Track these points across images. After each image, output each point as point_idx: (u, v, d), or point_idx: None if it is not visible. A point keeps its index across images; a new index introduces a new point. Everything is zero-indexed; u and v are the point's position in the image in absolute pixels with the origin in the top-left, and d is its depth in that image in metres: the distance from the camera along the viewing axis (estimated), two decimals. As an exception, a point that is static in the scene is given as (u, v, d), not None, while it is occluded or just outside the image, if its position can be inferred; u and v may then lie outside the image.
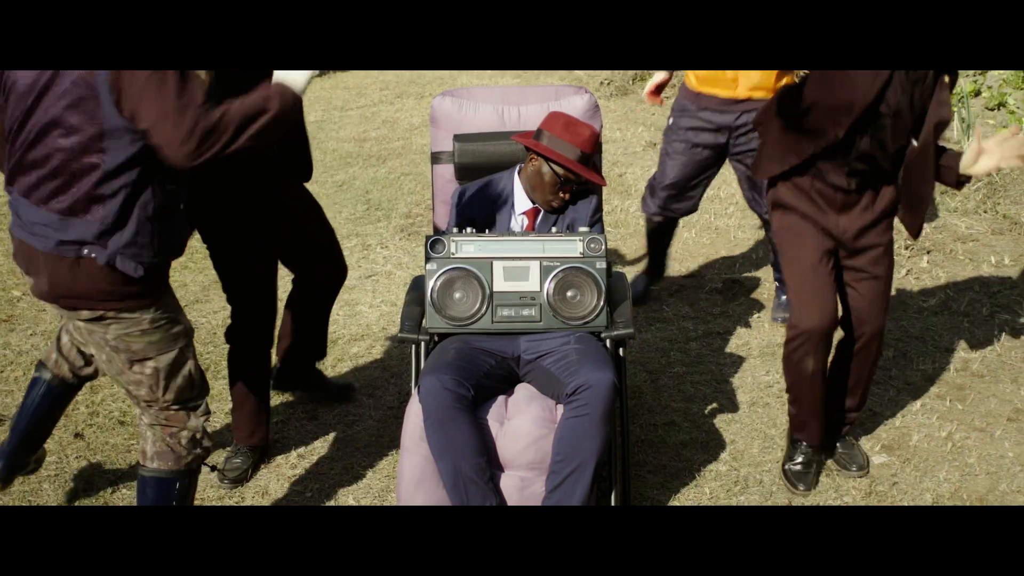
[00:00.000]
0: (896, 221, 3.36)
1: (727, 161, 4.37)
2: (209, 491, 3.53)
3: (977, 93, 7.52)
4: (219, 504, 3.47)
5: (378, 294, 4.93)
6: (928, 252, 5.16)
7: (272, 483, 3.56)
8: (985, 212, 5.63)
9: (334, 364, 4.31)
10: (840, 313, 3.37)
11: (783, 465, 3.51)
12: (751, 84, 4.11)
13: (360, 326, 4.61)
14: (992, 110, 7.21)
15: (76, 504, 3.46)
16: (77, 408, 4.02)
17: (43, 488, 3.56)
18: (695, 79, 4.24)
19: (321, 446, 3.76)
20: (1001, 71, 8.01)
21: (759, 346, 4.34)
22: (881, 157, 3.15)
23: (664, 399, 3.99)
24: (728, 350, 4.34)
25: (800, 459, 3.47)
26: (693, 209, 4.49)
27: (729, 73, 4.11)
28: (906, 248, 5.17)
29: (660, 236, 4.67)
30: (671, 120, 4.36)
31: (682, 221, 5.56)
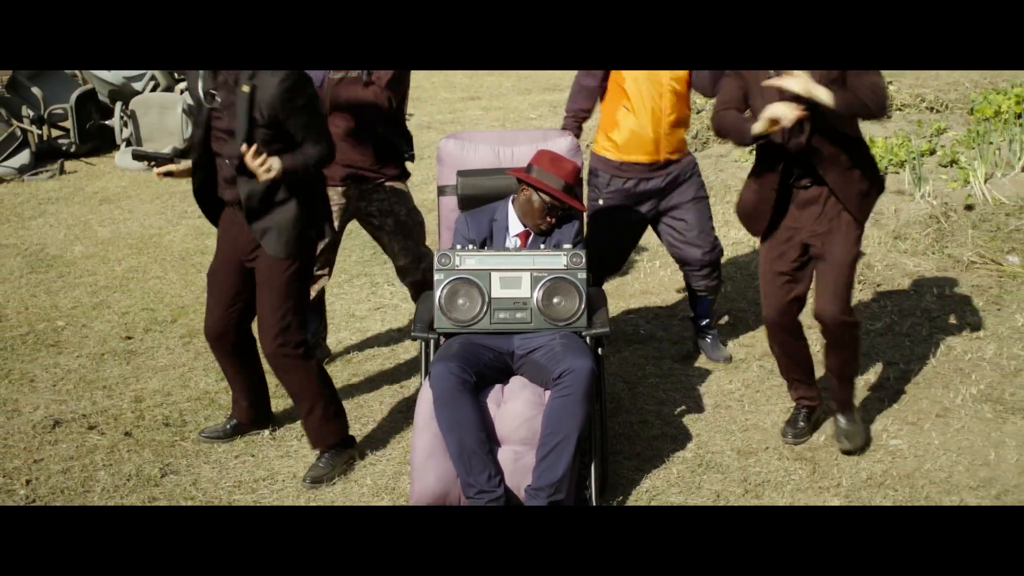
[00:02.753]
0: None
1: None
2: (258, 471, 4.08)
3: (932, 152, 8.20)
4: (250, 492, 4.02)
5: (386, 322, 5.52)
6: (878, 285, 5.77)
7: (300, 470, 4.10)
8: (933, 253, 6.24)
9: (348, 379, 4.88)
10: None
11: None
12: (671, 145, 4.67)
13: (372, 347, 5.20)
14: (945, 167, 7.87)
15: (128, 486, 4.00)
16: (124, 413, 4.58)
17: (99, 475, 4.10)
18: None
19: (340, 441, 4.32)
20: (955, 132, 8.72)
21: (724, 362, 4.92)
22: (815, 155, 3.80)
23: (639, 403, 4.56)
24: (697, 364, 4.92)
25: (799, 417, 4.25)
26: None
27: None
28: (858, 282, 5.78)
29: None
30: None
31: (658, 260, 6.20)
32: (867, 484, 3.88)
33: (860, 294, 5.65)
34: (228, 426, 4.34)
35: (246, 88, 3.65)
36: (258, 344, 4.09)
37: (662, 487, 3.91)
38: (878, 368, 4.80)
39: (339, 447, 4.09)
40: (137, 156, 3.96)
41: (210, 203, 4.02)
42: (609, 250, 4.74)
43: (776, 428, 4.30)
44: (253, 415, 4.33)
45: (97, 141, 9.76)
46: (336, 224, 4.62)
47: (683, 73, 4.59)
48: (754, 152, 4.06)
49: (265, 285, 3.91)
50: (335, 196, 4.54)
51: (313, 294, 4.65)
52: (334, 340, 5.28)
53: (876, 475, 3.94)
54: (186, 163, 3.96)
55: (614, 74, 4.60)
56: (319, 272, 4.67)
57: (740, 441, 4.21)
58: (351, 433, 4.20)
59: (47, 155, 9.47)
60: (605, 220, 4.69)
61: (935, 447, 4.12)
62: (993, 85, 10.58)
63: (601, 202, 4.69)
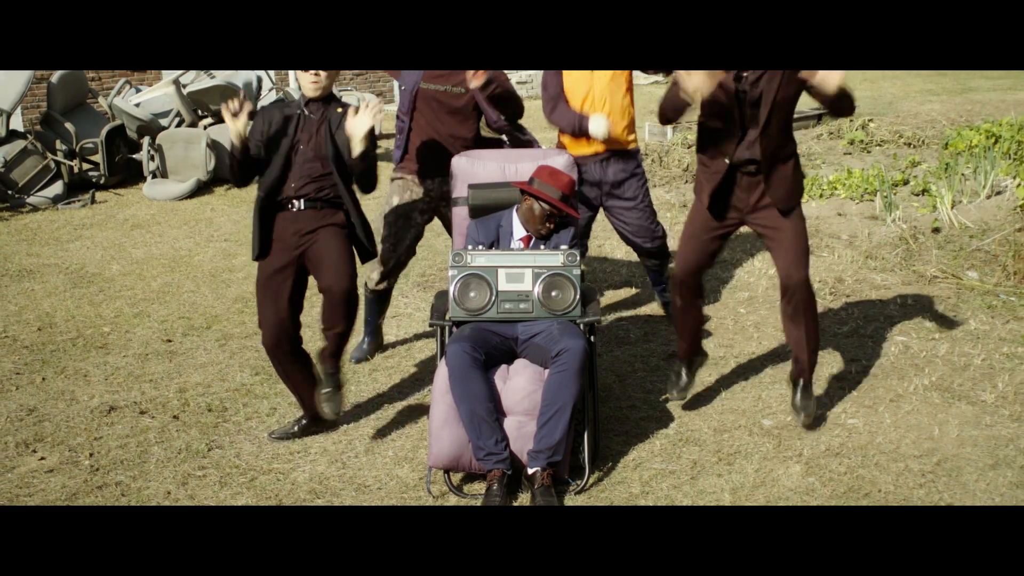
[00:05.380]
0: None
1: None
2: (293, 446, 4.65)
3: (906, 182, 8.82)
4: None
5: (401, 328, 6.11)
6: (847, 297, 6.36)
7: (329, 445, 4.67)
8: (901, 270, 6.84)
9: (370, 372, 5.47)
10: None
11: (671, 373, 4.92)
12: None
13: (390, 348, 5.79)
14: (917, 195, 8.49)
15: (179, 458, 4.57)
16: (171, 401, 5.16)
17: (153, 449, 4.67)
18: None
19: (364, 423, 4.89)
20: (927, 164, 9.35)
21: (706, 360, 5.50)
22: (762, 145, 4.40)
23: (629, 391, 5.14)
24: (681, 362, 5.50)
25: (681, 372, 4.86)
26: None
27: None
28: (830, 294, 6.37)
29: None
30: None
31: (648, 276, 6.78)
32: (825, 454, 4.45)
33: (830, 303, 6.24)
34: (296, 428, 4.78)
35: (339, 109, 4.63)
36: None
37: (646, 457, 4.47)
38: (842, 364, 5.37)
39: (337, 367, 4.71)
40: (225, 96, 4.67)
41: (268, 212, 4.64)
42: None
43: (749, 413, 4.87)
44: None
45: (125, 174, 10.41)
46: (422, 218, 5.43)
47: (607, 75, 5.41)
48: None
49: (331, 244, 4.58)
50: (419, 189, 5.35)
51: (381, 287, 5.54)
52: (356, 343, 5.86)
53: (834, 447, 4.50)
54: (244, 126, 4.55)
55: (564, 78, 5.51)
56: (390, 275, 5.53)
57: (716, 421, 4.78)
58: (381, 435, 4.81)
59: (78, 186, 10.12)
60: None
61: (887, 425, 4.69)
62: (968, 123, 11.25)
63: None
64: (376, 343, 5.75)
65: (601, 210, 5.66)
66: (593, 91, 5.38)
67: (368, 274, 5.49)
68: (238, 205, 9.42)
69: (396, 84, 5.37)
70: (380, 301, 5.64)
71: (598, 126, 5.29)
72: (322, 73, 4.57)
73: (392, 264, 5.43)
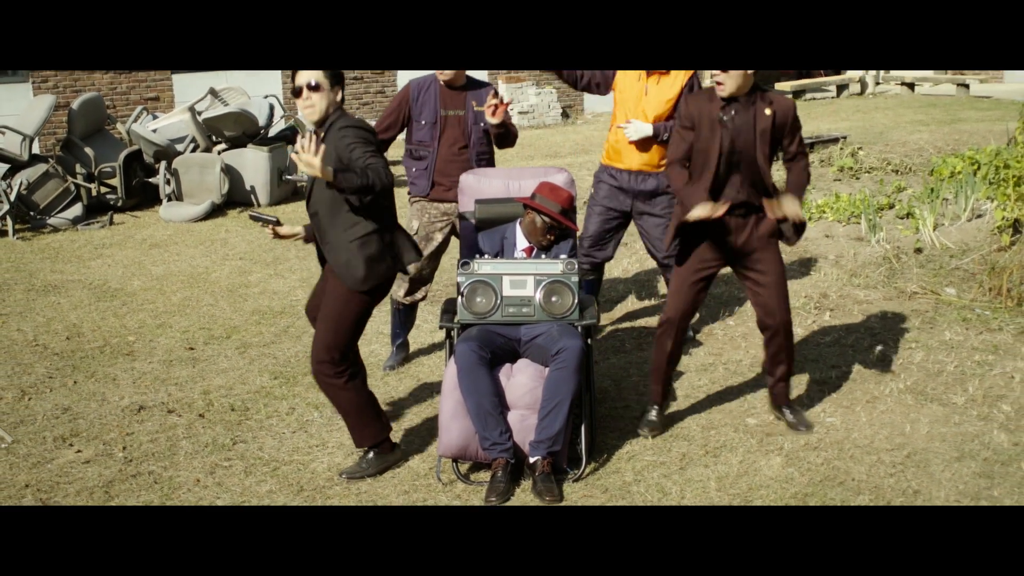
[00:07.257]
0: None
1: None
2: (312, 441, 5.01)
3: (891, 206, 9.22)
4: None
5: (411, 336, 6.47)
6: (831, 310, 6.73)
7: (345, 439, 5.00)
8: (883, 287, 7.22)
9: (382, 377, 5.84)
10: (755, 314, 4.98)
11: (643, 416, 5.05)
12: (641, 160, 5.84)
13: (399, 355, 6.16)
14: (902, 218, 8.87)
15: (205, 451, 4.93)
16: (196, 402, 5.53)
17: (181, 443, 5.03)
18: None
19: (377, 421, 5.25)
20: (913, 189, 9.74)
21: (696, 366, 5.88)
22: (749, 192, 4.73)
23: (624, 394, 5.50)
24: (673, 368, 5.87)
25: (651, 412, 5.04)
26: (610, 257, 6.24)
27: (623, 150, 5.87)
28: (815, 308, 6.75)
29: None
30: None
31: (644, 291, 7.16)
32: (804, 448, 4.81)
33: (814, 316, 6.61)
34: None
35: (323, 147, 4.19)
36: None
37: (639, 450, 4.84)
38: (823, 369, 5.74)
39: (379, 449, 4.69)
40: (253, 218, 4.76)
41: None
42: (600, 229, 6.03)
43: (735, 412, 5.23)
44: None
45: (141, 197, 10.82)
46: (442, 235, 5.77)
47: (663, 106, 5.77)
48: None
49: (327, 307, 4.52)
50: (435, 211, 5.72)
51: (407, 300, 5.89)
52: (367, 351, 6.23)
53: (812, 442, 4.87)
54: (291, 228, 4.73)
55: (615, 92, 5.91)
56: (416, 290, 5.91)
57: (704, 420, 5.15)
58: (394, 430, 5.04)
59: (97, 208, 10.54)
60: (595, 203, 6.04)
61: (862, 423, 5.05)
62: (955, 151, 11.66)
63: (593, 190, 6.07)
64: (402, 355, 6.08)
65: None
66: (644, 105, 5.78)
67: (394, 290, 5.86)
68: (251, 226, 9.82)
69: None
70: (406, 314, 6.02)
71: (636, 130, 5.77)
72: (313, 95, 4.36)
73: (416, 278, 5.82)
